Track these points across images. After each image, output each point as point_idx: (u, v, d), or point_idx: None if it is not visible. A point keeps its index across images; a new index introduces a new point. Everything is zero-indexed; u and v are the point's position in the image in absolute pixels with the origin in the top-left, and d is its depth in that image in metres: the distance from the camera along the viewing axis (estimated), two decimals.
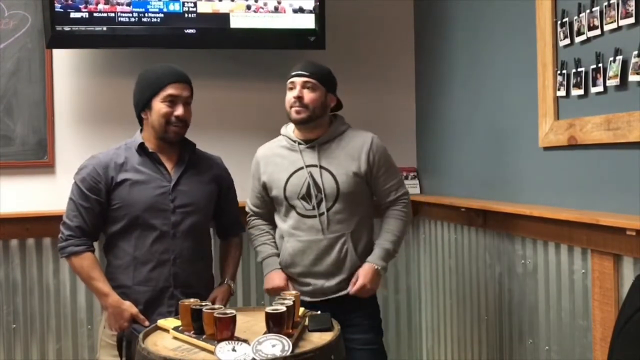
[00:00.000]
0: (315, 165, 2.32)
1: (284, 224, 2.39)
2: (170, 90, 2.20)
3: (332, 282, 2.33)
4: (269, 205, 2.45)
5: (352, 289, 2.31)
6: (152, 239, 2.20)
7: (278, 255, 2.42)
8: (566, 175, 2.35)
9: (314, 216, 2.31)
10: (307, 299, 2.30)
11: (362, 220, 2.38)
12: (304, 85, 2.30)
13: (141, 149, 2.26)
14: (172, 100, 2.20)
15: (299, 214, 2.33)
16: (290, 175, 2.34)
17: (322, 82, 2.33)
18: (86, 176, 2.23)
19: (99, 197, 2.21)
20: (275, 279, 2.37)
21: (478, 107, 2.96)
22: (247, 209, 2.53)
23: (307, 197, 2.32)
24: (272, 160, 2.40)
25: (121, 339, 2.16)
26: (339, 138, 2.37)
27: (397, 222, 2.42)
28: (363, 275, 2.32)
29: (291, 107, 2.32)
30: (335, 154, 2.34)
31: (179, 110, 2.20)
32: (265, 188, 2.42)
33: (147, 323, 2.15)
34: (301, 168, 2.33)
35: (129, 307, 2.17)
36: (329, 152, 2.34)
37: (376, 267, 2.33)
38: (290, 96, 2.32)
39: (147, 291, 2.20)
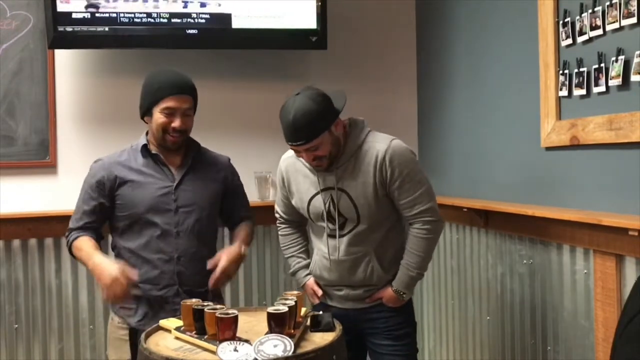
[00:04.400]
0: (333, 188, 2.18)
1: (314, 237, 2.33)
2: (168, 103, 2.19)
3: (359, 290, 2.25)
4: (298, 212, 2.35)
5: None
6: (155, 239, 2.23)
7: (306, 266, 2.36)
8: (568, 175, 2.34)
9: (340, 237, 2.21)
10: (339, 305, 2.27)
11: (389, 232, 2.24)
12: (308, 150, 2.11)
13: (145, 150, 2.28)
14: (169, 113, 2.20)
15: (327, 233, 2.24)
16: (311, 199, 2.23)
17: (323, 131, 2.08)
18: (91, 177, 2.28)
19: (103, 198, 2.25)
20: (309, 289, 2.34)
21: (480, 107, 2.95)
22: (275, 214, 2.45)
23: (330, 218, 2.21)
24: (295, 178, 2.29)
25: (133, 332, 2.20)
26: (357, 152, 2.18)
27: (419, 241, 2.20)
28: (386, 301, 2.24)
29: (309, 162, 2.19)
30: (353, 173, 2.17)
31: (176, 122, 2.20)
32: (291, 200, 2.34)
33: (135, 278, 2.11)
34: (318, 193, 2.21)
35: (115, 267, 2.10)
36: (347, 172, 2.17)
37: (401, 294, 2.22)
38: (299, 155, 2.19)
39: (153, 289, 2.23)
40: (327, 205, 2.20)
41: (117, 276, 2.05)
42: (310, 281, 2.34)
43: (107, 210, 2.26)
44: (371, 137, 2.21)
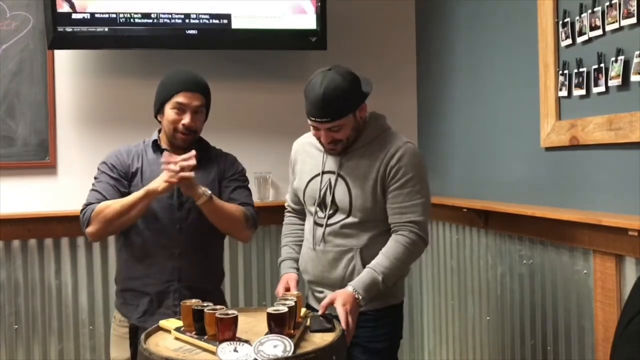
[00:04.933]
0: (333, 173, 2.13)
1: (306, 226, 2.26)
2: (178, 98, 2.22)
3: None
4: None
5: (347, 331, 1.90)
6: (158, 234, 2.23)
7: (295, 259, 2.26)
8: (568, 175, 2.34)
9: (326, 226, 2.14)
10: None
11: (378, 236, 2.11)
12: (330, 129, 2.05)
13: (155, 145, 2.31)
14: (180, 108, 2.22)
15: (314, 221, 2.18)
16: (310, 180, 2.19)
17: (350, 111, 2.04)
18: (109, 159, 2.29)
19: (120, 177, 2.25)
20: (284, 280, 2.19)
21: (480, 107, 2.95)
22: (285, 206, 2.39)
23: (322, 205, 2.15)
24: (302, 159, 2.25)
25: (133, 330, 2.20)
26: (369, 144, 2.12)
27: (398, 246, 2.04)
28: (341, 302, 1.94)
29: (324, 143, 2.12)
30: (359, 162, 2.11)
31: (186, 119, 2.22)
32: (294, 182, 2.30)
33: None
34: (319, 174, 2.17)
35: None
36: (353, 160, 2.12)
37: (357, 296, 1.97)
38: (317, 134, 2.11)
39: (153, 284, 2.23)
40: (323, 190, 2.15)
41: (165, 176, 2.09)
42: (290, 275, 2.20)
43: (124, 187, 2.24)
44: (388, 134, 2.16)
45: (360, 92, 2.09)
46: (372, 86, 2.13)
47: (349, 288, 1.99)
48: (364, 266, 2.08)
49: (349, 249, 2.12)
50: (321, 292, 2.19)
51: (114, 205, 2.15)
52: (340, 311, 1.93)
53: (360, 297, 1.97)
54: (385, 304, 2.12)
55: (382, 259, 2.04)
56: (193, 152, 2.11)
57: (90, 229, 2.18)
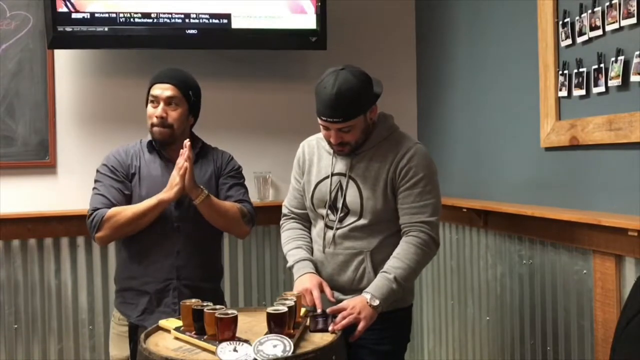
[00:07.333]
0: (344, 175, 2.11)
1: (313, 228, 2.23)
2: (152, 91, 2.26)
3: (348, 297, 2.05)
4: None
5: (334, 327, 1.89)
6: (156, 232, 2.23)
7: (313, 261, 2.15)
8: (568, 175, 2.34)
9: (337, 229, 2.12)
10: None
11: (389, 238, 2.10)
12: (340, 130, 2.02)
13: (150, 145, 2.32)
14: (154, 101, 2.26)
15: (324, 223, 2.15)
16: (319, 182, 2.15)
17: (362, 112, 2.02)
18: (109, 161, 2.30)
19: (123, 178, 2.26)
20: (306, 281, 2.06)
21: (480, 107, 2.95)
22: (284, 210, 2.31)
23: (333, 207, 2.12)
24: (310, 159, 2.21)
25: (132, 329, 2.21)
26: (379, 145, 2.11)
27: (410, 247, 2.03)
28: (353, 308, 1.93)
29: (333, 145, 2.09)
30: (370, 164, 2.09)
31: (157, 110, 2.24)
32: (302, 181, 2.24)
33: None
34: (328, 176, 2.14)
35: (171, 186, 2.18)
36: (363, 162, 2.10)
37: (372, 303, 1.95)
38: (327, 134, 2.07)
39: (152, 282, 2.24)
40: (333, 192, 2.12)
41: (175, 181, 2.15)
42: (318, 278, 2.09)
43: (127, 188, 2.26)
44: (398, 134, 2.15)
45: (372, 93, 2.07)
46: (382, 87, 2.11)
47: (365, 295, 1.98)
48: (374, 269, 2.08)
49: (359, 251, 2.11)
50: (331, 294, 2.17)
51: (126, 212, 2.18)
52: (346, 312, 1.92)
53: (377, 303, 1.96)
54: (393, 307, 2.09)
55: (394, 262, 2.03)
56: (186, 141, 2.15)
57: (100, 234, 2.19)
